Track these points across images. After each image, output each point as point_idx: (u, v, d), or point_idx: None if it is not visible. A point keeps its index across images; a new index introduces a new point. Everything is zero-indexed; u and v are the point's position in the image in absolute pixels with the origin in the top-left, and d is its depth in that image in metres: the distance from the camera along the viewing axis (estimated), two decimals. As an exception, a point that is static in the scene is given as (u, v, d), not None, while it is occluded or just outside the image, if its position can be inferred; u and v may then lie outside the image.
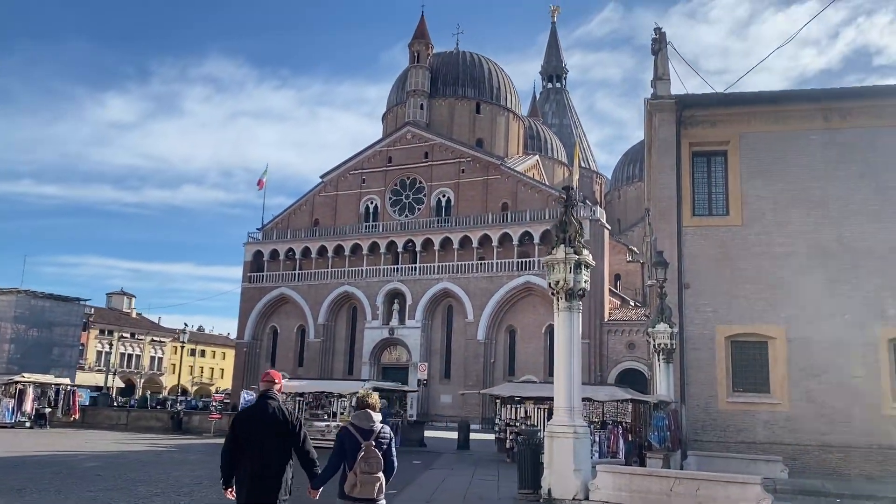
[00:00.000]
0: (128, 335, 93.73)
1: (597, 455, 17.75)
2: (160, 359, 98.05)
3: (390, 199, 60.40)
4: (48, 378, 32.12)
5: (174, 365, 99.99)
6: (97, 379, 74.80)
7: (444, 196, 58.70)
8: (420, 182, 59.59)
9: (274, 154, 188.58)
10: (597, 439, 18.26)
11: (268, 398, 6.23)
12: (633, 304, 57.08)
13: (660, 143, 21.51)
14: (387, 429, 6.09)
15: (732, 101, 20.78)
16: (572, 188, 12.04)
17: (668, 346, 17.54)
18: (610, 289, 54.79)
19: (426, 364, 46.77)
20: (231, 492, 6.07)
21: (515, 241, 52.73)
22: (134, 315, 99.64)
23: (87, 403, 38.70)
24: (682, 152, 20.95)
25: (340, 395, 23.78)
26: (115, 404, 51.90)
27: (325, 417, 23.95)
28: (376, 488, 5.75)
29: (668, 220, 20.72)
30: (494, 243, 54.03)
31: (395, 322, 55.98)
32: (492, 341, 53.78)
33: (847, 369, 18.53)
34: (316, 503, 6.35)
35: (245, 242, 63.85)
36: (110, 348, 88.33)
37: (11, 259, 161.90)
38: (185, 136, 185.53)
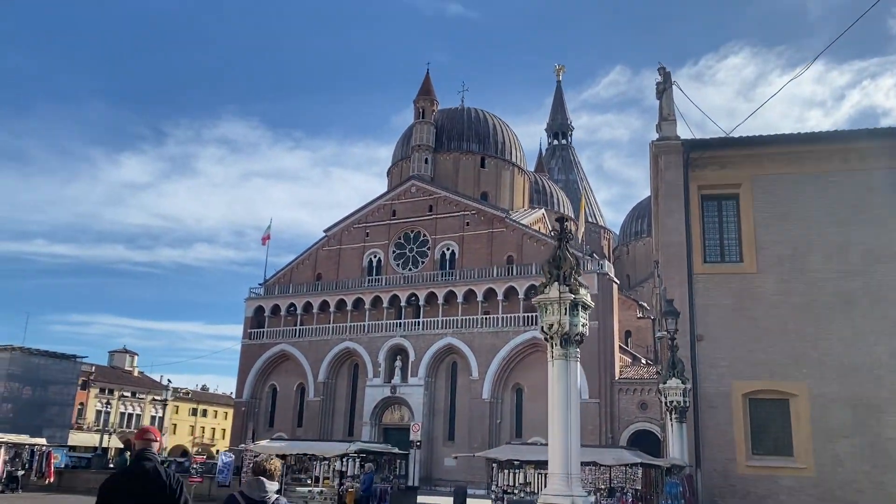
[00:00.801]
0: (129, 394, 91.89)
1: (603, 528, 16.02)
2: (161, 418, 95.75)
3: (394, 252, 59.30)
4: (21, 438, 30.40)
5: (175, 425, 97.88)
6: (95, 439, 72.66)
7: (448, 249, 57.55)
8: (424, 235, 58.56)
9: (286, 213, 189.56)
10: (603, 508, 16.55)
11: (143, 459, 5.44)
12: (644, 361, 55.09)
13: (667, 186, 20.31)
14: (283, 501, 5.29)
15: (744, 142, 19.64)
16: (567, 218, 10.72)
17: (681, 404, 15.96)
18: (620, 345, 52.94)
19: (419, 424, 44.66)
20: None
21: (521, 295, 51.22)
22: (136, 373, 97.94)
23: (64, 465, 36.88)
24: (690, 196, 19.72)
25: (324, 458, 22.11)
26: (111, 466, 49.98)
27: (308, 482, 22.23)
28: None
29: (677, 267, 19.35)
30: (500, 297, 52.55)
31: (397, 379, 54.12)
32: (498, 400, 51.76)
33: (878, 429, 16.85)
34: None
35: (246, 298, 62.62)
36: (110, 407, 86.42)
37: (20, 317, 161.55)
38: (198, 196, 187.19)
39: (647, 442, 40.17)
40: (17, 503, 23.99)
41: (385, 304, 56.36)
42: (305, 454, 22.47)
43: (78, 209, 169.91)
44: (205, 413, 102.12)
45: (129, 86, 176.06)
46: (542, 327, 10.30)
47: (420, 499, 27.02)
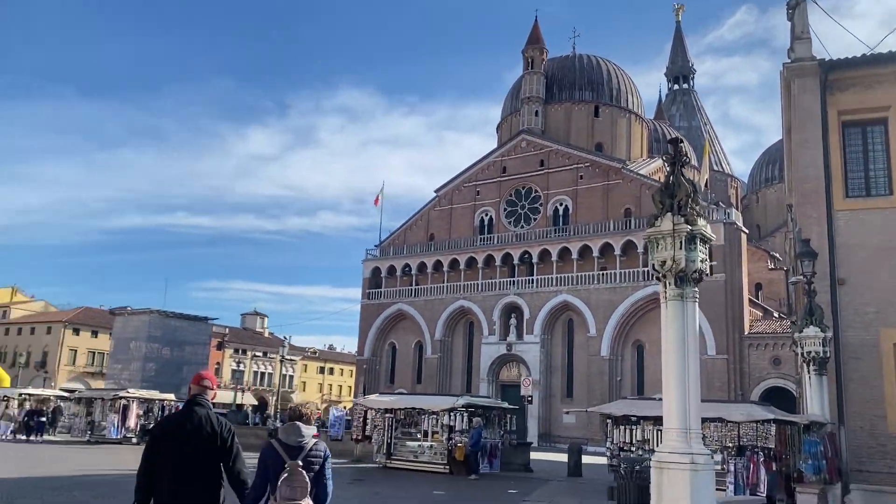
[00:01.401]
0: (260, 354, 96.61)
1: (730, 489, 14.60)
2: (291, 377, 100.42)
3: (505, 210, 58.24)
4: (152, 394, 32.27)
5: (304, 382, 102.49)
6: (231, 396, 76.95)
7: (561, 204, 55.84)
8: (536, 191, 57.07)
9: (402, 179, 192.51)
10: (731, 469, 15.09)
11: (196, 405, 5.27)
12: (776, 315, 51.53)
13: (801, 115, 18.05)
14: (321, 445, 5.12)
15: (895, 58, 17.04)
16: (681, 140, 9.32)
17: (820, 355, 14.19)
18: (750, 299, 49.70)
19: (530, 379, 43.82)
20: None
21: (640, 249, 48.88)
22: (266, 334, 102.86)
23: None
24: (829, 123, 17.41)
25: (432, 413, 21.73)
26: (247, 421, 52.78)
27: (418, 436, 21.97)
28: None
29: (814, 204, 17.21)
30: (617, 252, 50.51)
31: (512, 337, 53.50)
32: (617, 357, 50.11)
33: None
34: None
35: (363, 259, 63.70)
36: (243, 366, 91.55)
37: (170, 285, 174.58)
38: (320, 166, 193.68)
39: (781, 399, 37.50)
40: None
41: (498, 263, 55.63)
42: (413, 408, 22.24)
43: (212, 182, 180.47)
44: (332, 371, 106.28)
45: (252, 61, 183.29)
46: (654, 264, 9.07)
47: (534, 455, 26.37)
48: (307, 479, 4.85)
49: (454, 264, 57.89)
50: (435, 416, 21.51)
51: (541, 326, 52.47)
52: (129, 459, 22.56)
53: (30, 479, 16.93)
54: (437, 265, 58.72)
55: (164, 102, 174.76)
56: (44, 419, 30.20)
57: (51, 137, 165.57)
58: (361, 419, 22.76)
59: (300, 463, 4.88)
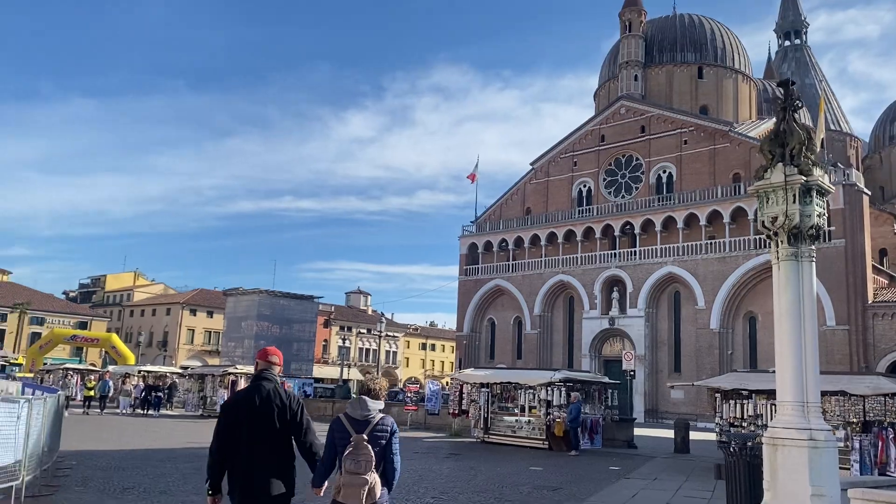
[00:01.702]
0: (364, 331, 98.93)
1: (855, 468, 13.37)
2: (394, 353, 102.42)
3: (604, 180, 56.48)
4: (251, 369, 33.34)
5: (407, 358, 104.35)
6: (337, 372, 79.13)
7: (664, 172, 53.58)
8: (637, 159, 54.99)
9: (498, 154, 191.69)
10: (856, 446, 13.81)
11: (262, 379, 5.27)
12: (905, 283, 47.66)
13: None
14: (388, 420, 5.01)
15: None
16: (792, 83, 8.32)
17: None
18: (874, 265, 46.18)
19: (632, 353, 42.29)
20: (217, 500, 5.08)
21: (751, 216, 46.12)
22: (370, 312, 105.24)
23: (306, 395, 40.08)
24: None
25: (529, 387, 21.15)
26: (350, 395, 54.08)
27: (515, 411, 21.47)
28: (362, 493, 4.66)
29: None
30: (726, 219, 48.00)
31: (615, 311, 52.04)
32: (728, 330, 47.82)
33: None
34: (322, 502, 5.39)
35: (459, 236, 63.58)
36: (349, 343, 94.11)
37: (278, 266, 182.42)
38: (417, 145, 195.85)
39: (913, 374, 34.62)
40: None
41: (598, 235, 54.13)
42: (510, 383, 21.73)
43: (315, 167, 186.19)
44: (433, 347, 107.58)
45: (347, 45, 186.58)
46: (763, 221, 8.23)
47: (639, 431, 25.39)
48: (372, 454, 4.77)
49: (552, 238, 56.81)
50: (532, 391, 20.94)
51: (645, 300, 50.76)
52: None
53: (141, 450, 17.74)
54: (535, 239, 57.82)
55: (268, 91, 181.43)
56: (160, 394, 31.88)
57: (165, 130, 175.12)
58: (457, 394, 22.53)
59: (365, 437, 4.81)
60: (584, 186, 57.69)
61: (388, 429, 4.99)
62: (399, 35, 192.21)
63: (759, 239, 45.46)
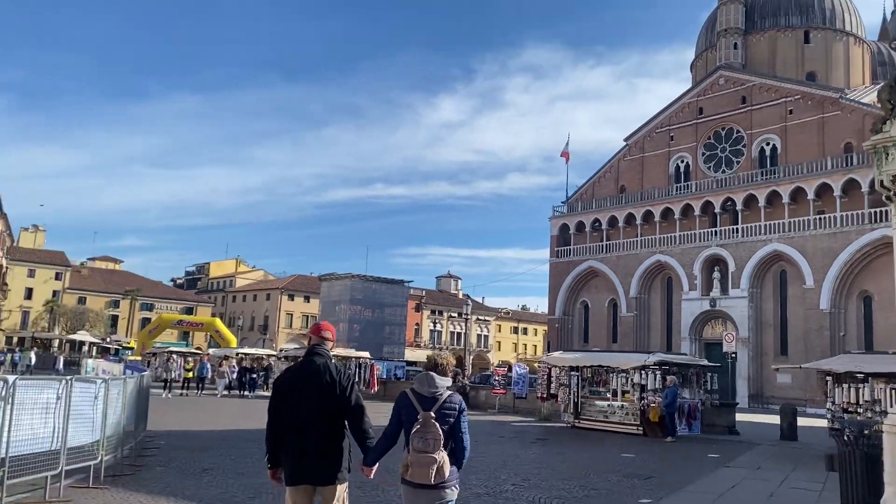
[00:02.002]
0: (455, 314, 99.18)
1: None
2: (486, 336, 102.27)
3: (703, 154, 53.87)
4: (348, 351, 33.60)
5: (499, 342, 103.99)
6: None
7: (767, 144, 50.55)
8: (737, 132, 52.12)
9: (591, 133, 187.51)
10: None
11: (314, 355, 5.19)
12: None
13: None
14: (456, 397, 4.82)
15: None
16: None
17: None
18: None
19: (733, 334, 39.95)
20: (277, 472, 5.08)
21: (865, 188, 42.84)
22: (460, 296, 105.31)
23: (395, 378, 40.30)
24: None
25: (622, 371, 20.10)
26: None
27: (607, 396, 20.48)
28: (432, 472, 4.53)
29: None
30: (837, 193, 44.79)
31: (716, 292, 49.65)
32: (839, 311, 44.73)
33: None
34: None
35: (550, 217, 62.32)
36: (440, 326, 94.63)
37: (372, 252, 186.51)
38: (507, 127, 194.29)
39: None
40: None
41: (697, 212, 51.74)
42: (601, 366, 20.74)
43: (406, 153, 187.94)
44: (525, 331, 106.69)
45: (436, 30, 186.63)
46: (881, 180, 7.18)
47: (742, 416, 23.91)
48: (440, 432, 4.62)
49: (648, 216, 54.77)
50: (625, 375, 19.94)
51: (748, 279, 48.16)
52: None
53: (230, 431, 18.02)
54: (629, 218, 55.91)
55: (359, 79, 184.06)
56: (255, 376, 32.68)
57: (263, 122, 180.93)
58: (546, 377, 21.76)
59: (433, 415, 4.64)
60: (682, 162, 55.29)
61: (457, 407, 4.79)
62: (488, 15, 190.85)
63: (876, 212, 42.17)
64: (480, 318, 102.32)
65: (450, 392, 4.83)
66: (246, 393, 31.80)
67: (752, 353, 47.34)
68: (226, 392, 32.11)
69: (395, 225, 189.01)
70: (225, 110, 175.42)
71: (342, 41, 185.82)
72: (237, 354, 38.27)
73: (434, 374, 4.84)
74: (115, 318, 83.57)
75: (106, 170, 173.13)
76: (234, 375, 33.07)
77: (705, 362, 21.72)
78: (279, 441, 5.08)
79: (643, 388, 19.33)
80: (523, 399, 26.44)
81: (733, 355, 37.39)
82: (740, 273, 48.43)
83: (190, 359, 34.69)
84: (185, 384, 32.19)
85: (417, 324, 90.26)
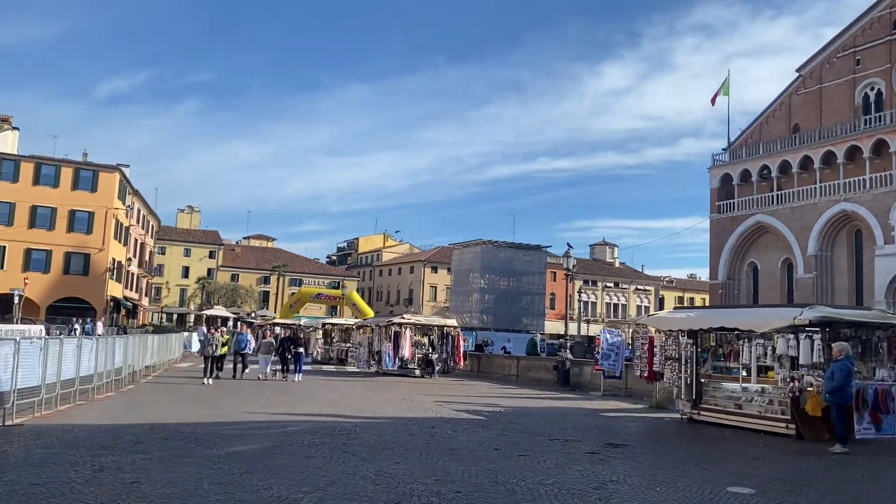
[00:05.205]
0: (611, 285, 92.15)
1: None
2: (646, 307, 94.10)
3: (900, 76, 43.49)
4: (430, 319, 29.02)
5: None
6: (581, 328, 73.83)
7: None
8: (948, 43, 41.35)
9: (770, 92, 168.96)
10: None
11: None
12: None
13: None
14: None
15: None
16: None
17: None
18: None
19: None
20: None
21: None
22: (617, 265, 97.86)
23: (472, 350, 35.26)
24: None
25: (759, 336, 12.98)
26: (535, 350, 48.94)
27: (742, 374, 13.62)
28: None
29: None
30: None
31: (921, 245, 39.78)
32: None
33: None
34: None
35: (709, 167, 54.01)
36: (595, 297, 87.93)
37: (537, 227, 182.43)
38: (678, 91, 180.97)
39: None
40: (436, 389, 21.87)
41: (892, 149, 41.84)
42: (726, 329, 13.78)
43: (570, 125, 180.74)
44: (692, 301, 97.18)
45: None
46: None
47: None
48: None
49: (828, 158, 45.32)
50: (763, 342, 13.36)
51: (965, 227, 38.01)
52: (377, 399, 19.24)
53: (305, 421, 13.87)
54: (805, 162, 46.67)
55: (521, 54, 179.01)
56: (300, 350, 24.58)
57: (429, 104, 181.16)
58: (647, 347, 15.37)
59: None
60: (872, 89, 45.18)
61: None
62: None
63: None
64: (640, 287, 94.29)
65: None
66: (287, 375, 23.52)
67: (974, 321, 37.38)
68: (270, 373, 23.58)
69: (562, 198, 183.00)
70: (393, 96, 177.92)
71: (503, 16, 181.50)
72: (323, 325, 34.24)
73: None
74: (265, 294, 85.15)
75: (289, 160, 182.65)
76: (269, 349, 24.05)
77: (896, 321, 13.50)
78: None
79: (794, 361, 12.43)
80: (616, 378, 20.28)
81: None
82: (955, 220, 38.31)
83: (223, 328, 29.69)
84: (210, 367, 21.62)
85: (570, 294, 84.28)
